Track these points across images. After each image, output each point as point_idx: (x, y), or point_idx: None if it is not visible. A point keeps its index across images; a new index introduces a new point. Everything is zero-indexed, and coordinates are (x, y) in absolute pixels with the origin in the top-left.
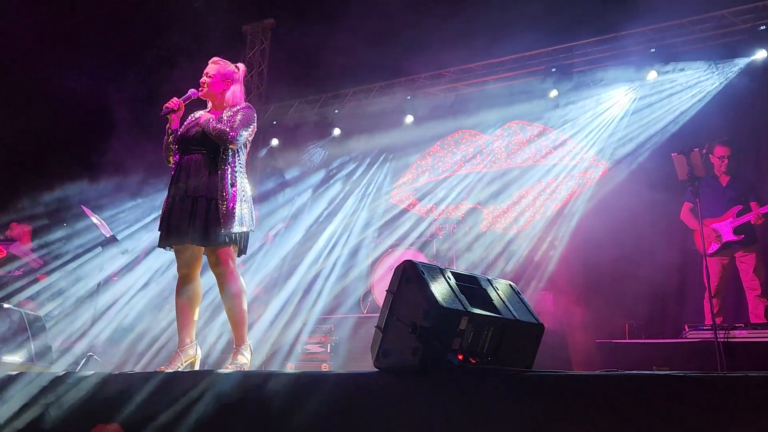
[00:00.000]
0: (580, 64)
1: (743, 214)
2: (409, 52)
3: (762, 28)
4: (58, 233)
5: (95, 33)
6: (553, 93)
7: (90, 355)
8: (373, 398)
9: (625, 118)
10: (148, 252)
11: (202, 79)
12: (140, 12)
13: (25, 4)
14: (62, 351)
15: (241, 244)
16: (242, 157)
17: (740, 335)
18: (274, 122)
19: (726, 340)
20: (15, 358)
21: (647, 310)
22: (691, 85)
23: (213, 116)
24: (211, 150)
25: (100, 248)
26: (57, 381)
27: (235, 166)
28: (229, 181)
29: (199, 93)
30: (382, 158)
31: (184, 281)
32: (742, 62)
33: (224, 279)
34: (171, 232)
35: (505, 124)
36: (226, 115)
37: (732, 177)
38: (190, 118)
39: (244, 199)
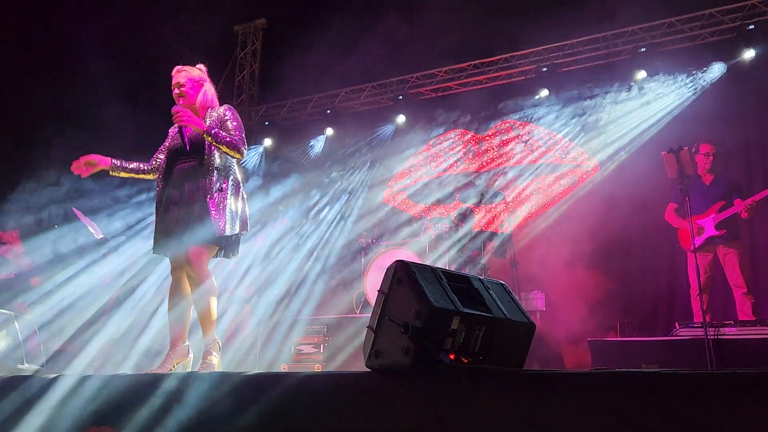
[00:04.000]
0: (569, 63)
1: (725, 209)
2: (401, 51)
3: (751, 27)
4: None
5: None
6: (544, 92)
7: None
8: (365, 398)
9: (614, 118)
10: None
11: (175, 91)
12: (130, 9)
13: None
14: (54, 354)
15: (231, 245)
16: (231, 159)
17: (730, 332)
18: (266, 123)
19: (716, 337)
20: (6, 361)
21: (639, 309)
22: (677, 86)
23: (202, 125)
24: (199, 157)
25: (92, 250)
26: (48, 384)
27: (224, 170)
28: (217, 186)
29: (181, 104)
30: (374, 158)
31: (177, 284)
32: (728, 62)
33: (197, 277)
34: (164, 240)
35: (497, 123)
36: (209, 118)
37: (716, 175)
38: (172, 130)
39: (233, 201)
